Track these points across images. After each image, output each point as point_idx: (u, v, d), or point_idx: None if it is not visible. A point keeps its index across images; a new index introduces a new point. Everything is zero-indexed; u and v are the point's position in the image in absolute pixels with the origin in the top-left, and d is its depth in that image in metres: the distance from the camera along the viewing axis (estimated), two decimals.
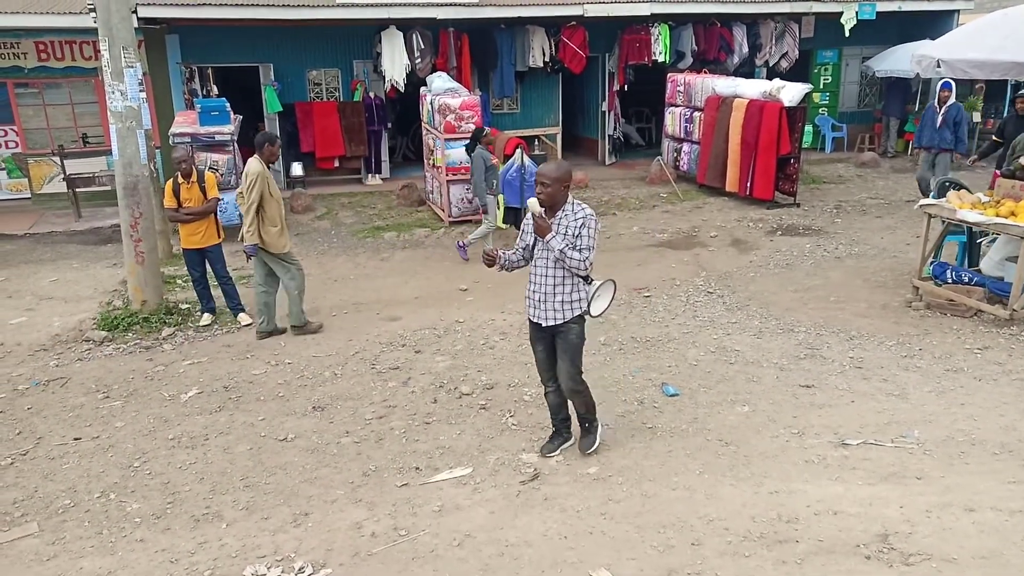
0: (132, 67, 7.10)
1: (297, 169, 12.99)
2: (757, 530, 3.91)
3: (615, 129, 15.17)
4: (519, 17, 12.83)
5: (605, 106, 14.84)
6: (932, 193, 8.13)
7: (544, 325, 4.48)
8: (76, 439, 5.24)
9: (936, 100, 10.65)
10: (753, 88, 11.77)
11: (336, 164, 13.49)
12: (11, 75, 12.02)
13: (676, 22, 13.77)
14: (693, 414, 5.27)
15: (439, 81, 11.57)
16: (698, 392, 5.61)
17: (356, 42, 13.22)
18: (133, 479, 4.71)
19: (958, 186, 7.80)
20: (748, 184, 11.69)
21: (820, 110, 16.06)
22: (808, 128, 13.81)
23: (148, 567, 3.87)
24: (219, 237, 7.36)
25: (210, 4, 11.19)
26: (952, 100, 10.49)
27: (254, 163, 6.63)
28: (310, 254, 9.79)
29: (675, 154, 13.48)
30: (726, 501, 4.19)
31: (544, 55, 13.50)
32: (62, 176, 11.75)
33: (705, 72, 13.41)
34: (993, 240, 7.38)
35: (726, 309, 7.41)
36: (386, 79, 12.61)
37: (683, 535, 3.90)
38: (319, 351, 6.67)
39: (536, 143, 13.45)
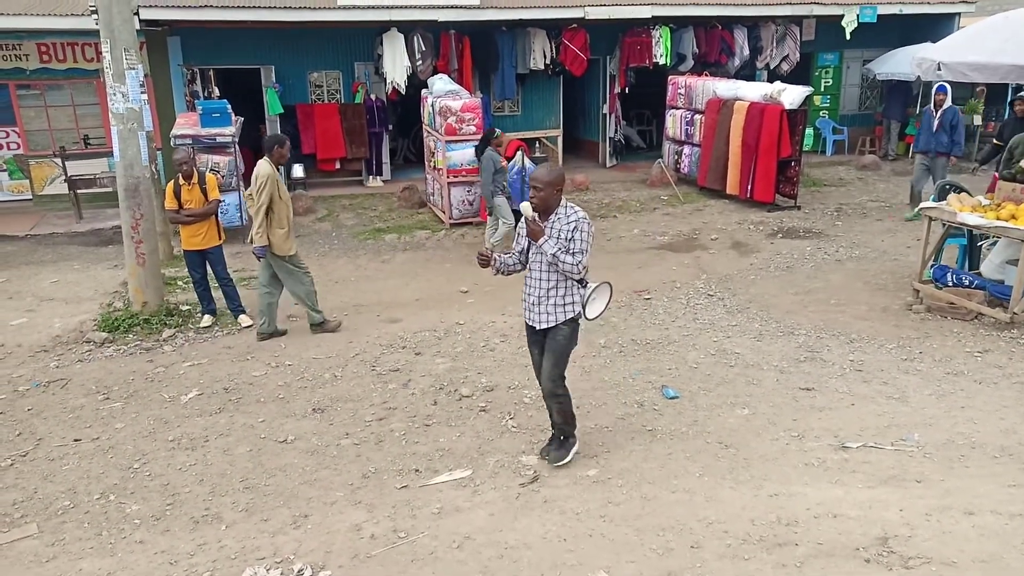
0: (134, 69, 7.11)
1: (298, 171, 12.98)
2: (757, 533, 3.91)
3: (616, 131, 15.17)
4: (520, 19, 12.82)
5: (606, 108, 14.84)
6: (932, 196, 8.12)
7: (539, 328, 4.48)
8: (76, 440, 5.24)
9: (932, 104, 10.59)
10: (754, 91, 11.78)
11: (337, 166, 13.51)
12: (13, 76, 12.04)
13: (677, 25, 13.77)
14: (693, 417, 5.27)
15: (440, 83, 11.56)
16: (698, 395, 5.61)
17: (357, 44, 13.23)
18: (133, 480, 4.72)
19: (958, 189, 7.80)
20: (749, 187, 11.70)
21: (821, 113, 16.05)
22: (809, 131, 13.78)
23: (147, 568, 3.87)
24: (220, 239, 7.37)
25: (212, 6, 11.21)
26: (948, 103, 10.45)
27: (264, 165, 6.64)
28: (311, 256, 9.78)
29: (676, 156, 13.48)
30: (726, 504, 4.19)
31: (545, 57, 13.51)
32: (63, 177, 11.78)
33: (706, 75, 13.42)
34: (993, 243, 7.38)
35: (726, 312, 7.41)
36: (387, 81, 12.62)
37: (682, 538, 3.90)
38: (319, 353, 6.68)
39: (537, 145, 13.44)
